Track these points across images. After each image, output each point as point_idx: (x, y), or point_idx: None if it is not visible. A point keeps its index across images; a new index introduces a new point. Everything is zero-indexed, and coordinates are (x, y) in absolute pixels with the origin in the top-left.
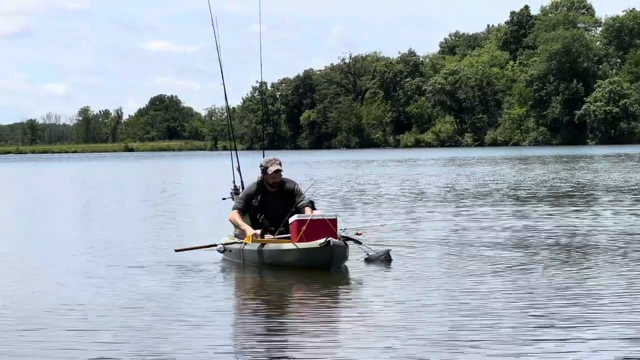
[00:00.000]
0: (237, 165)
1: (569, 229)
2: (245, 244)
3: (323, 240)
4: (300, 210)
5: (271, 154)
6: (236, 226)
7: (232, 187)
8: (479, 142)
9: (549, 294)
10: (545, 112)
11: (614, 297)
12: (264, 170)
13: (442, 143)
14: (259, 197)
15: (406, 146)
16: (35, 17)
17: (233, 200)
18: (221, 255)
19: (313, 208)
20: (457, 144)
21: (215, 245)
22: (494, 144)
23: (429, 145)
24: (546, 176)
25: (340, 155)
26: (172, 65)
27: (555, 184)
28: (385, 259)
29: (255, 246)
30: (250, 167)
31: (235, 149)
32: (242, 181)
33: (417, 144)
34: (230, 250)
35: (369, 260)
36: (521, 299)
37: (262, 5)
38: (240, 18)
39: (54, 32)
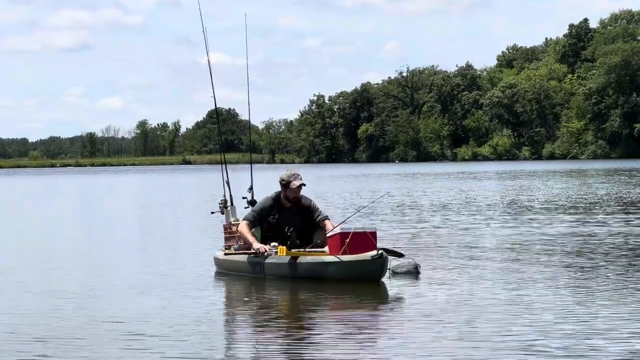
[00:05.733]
0: (226, 179)
1: (618, 238)
2: (267, 257)
3: (375, 252)
4: (319, 225)
5: (293, 167)
6: (244, 238)
7: (221, 201)
8: (537, 156)
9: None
10: (604, 126)
11: None
12: (286, 185)
13: (500, 156)
14: (276, 213)
15: (463, 160)
16: (92, 31)
17: (222, 214)
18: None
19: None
20: (514, 158)
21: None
22: (552, 157)
23: (486, 158)
24: (600, 188)
25: (393, 168)
26: (228, 78)
27: (609, 196)
28: (412, 272)
29: (286, 259)
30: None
31: (225, 162)
32: (231, 195)
33: (475, 158)
34: (238, 262)
35: (395, 272)
36: (571, 313)
37: (318, 19)
38: (295, 32)
39: (110, 46)
